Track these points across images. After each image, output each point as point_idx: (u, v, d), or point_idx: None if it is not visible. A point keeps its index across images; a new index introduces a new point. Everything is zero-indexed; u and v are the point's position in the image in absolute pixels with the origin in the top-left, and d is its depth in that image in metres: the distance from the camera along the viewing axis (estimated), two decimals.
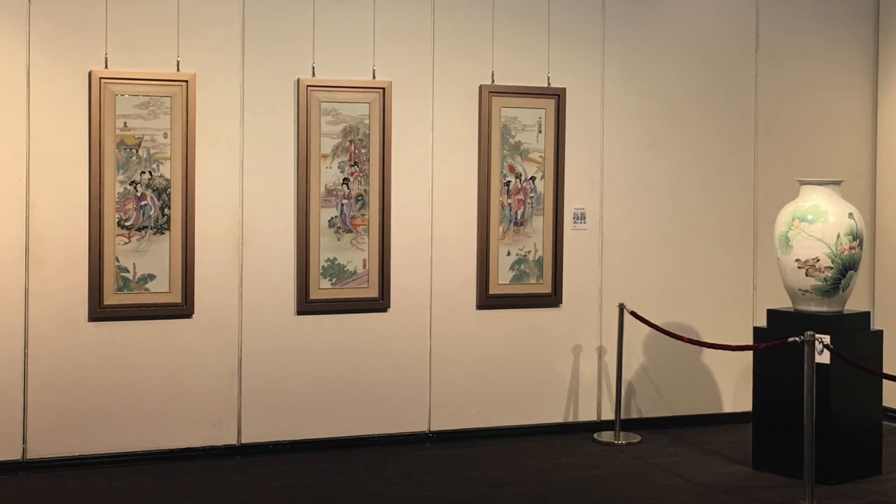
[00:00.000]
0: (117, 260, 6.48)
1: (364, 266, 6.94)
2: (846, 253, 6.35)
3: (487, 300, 7.23)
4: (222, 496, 6.05)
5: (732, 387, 7.76)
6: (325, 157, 6.85)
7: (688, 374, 7.70)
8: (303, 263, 6.81)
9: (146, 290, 6.53)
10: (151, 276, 6.54)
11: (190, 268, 6.58)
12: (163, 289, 6.56)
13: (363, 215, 6.93)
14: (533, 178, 7.29)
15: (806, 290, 6.43)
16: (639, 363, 7.59)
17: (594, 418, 7.50)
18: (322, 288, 6.86)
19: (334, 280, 6.89)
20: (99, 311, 6.45)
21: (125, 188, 6.48)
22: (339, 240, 6.89)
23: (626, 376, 7.43)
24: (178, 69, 6.56)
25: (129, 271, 6.50)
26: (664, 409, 7.64)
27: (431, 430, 7.16)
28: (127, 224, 6.49)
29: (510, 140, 7.24)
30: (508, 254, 7.26)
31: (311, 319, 6.88)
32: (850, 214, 6.42)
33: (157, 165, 6.53)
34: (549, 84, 7.32)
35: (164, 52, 6.55)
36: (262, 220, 6.77)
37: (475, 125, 7.19)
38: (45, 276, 6.38)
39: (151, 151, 6.52)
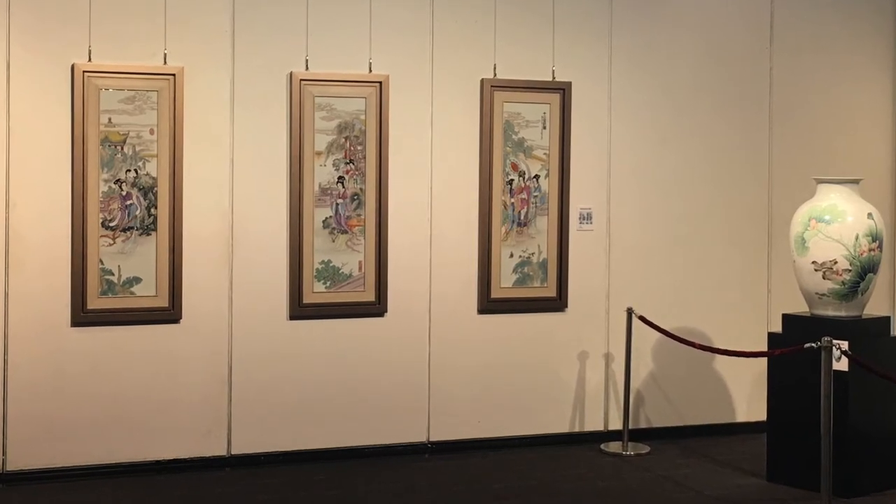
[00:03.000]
0: (101, 262, 6.47)
1: (360, 269, 6.94)
2: (865, 255, 6.35)
3: (489, 304, 7.23)
4: None
5: (746, 395, 7.76)
6: (319, 154, 6.85)
7: (699, 382, 7.70)
8: (296, 266, 6.81)
9: (132, 293, 6.53)
10: (137, 279, 6.54)
11: (178, 270, 6.58)
12: (149, 292, 6.56)
13: (359, 215, 6.93)
14: (537, 177, 7.29)
15: (823, 294, 6.43)
16: (648, 370, 7.59)
17: (601, 428, 7.50)
18: (316, 291, 6.86)
19: (329, 283, 6.89)
20: (82, 316, 6.45)
21: (110, 187, 6.48)
22: (333, 241, 6.88)
23: (634, 384, 7.43)
24: (165, 62, 6.56)
25: (113, 274, 6.50)
26: (674, 418, 7.64)
27: (431, 440, 7.16)
28: (111, 224, 6.49)
29: (513, 136, 7.23)
30: (511, 256, 7.25)
31: (304, 325, 6.88)
32: (870, 214, 6.41)
33: (143, 163, 6.53)
34: (553, 78, 7.31)
35: (150, 44, 6.55)
36: (254, 220, 6.77)
37: (476, 121, 7.18)
38: (25, 279, 6.38)
39: (137, 148, 6.52)
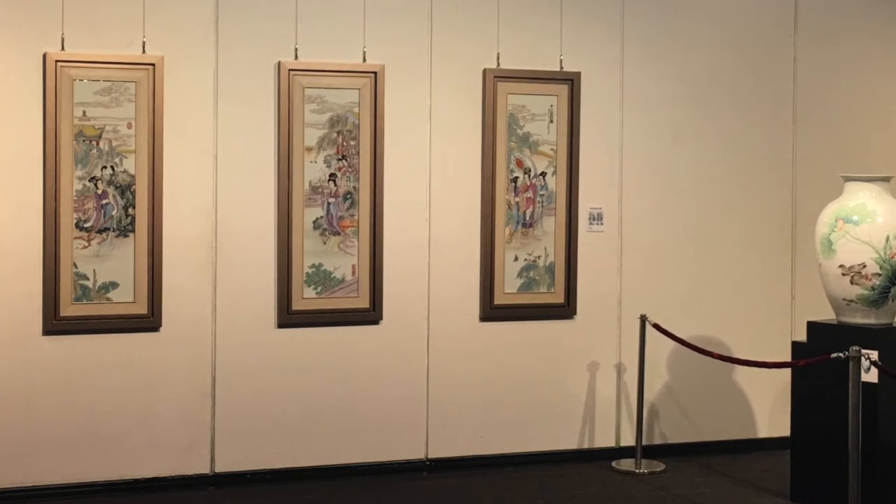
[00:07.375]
0: (75, 266, 6.46)
1: (353, 273, 6.93)
2: None
3: (492, 311, 7.21)
4: None
5: (768, 409, 7.75)
6: (309, 150, 6.84)
7: (718, 395, 7.69)
8: (284, 270, 6.80)
9: (108, 299, 6.52)
10: (114, 284, 6.53)
11: (157, 275, 6.57)
12: (126, 298, 6.55)
13: (352, 216, 6.92)
14: (543, 174, 7.28)
15: (851, 300, 6.41)
16: (662, 382, 7.57)
17: (612, 444, 7.49)
18: (306, 297, 6.85)
19: (320, 288, 6.87)
20: (54, 324, 6.43)
21: (84, 185, 6.47)
22: (325, 243, 6.87)
23: (648, 397, 7.42)
24: (143, 51, 6.55)
25: (88, 279, 6.48)
26: (691, 433, 7.63)
27: (429, 457, 7.15)
28: (86, 225, 6.48)
29: (518, 131, 7.22)
30: (516, 259, 7.24)
31: (293, 333, 6.87)
32: None
33: (121, 159, 6.52)
34: (561, 68, 7.31)
35: (127, 32, 6.54)
36: (239, 221, 6.76)
37: (478, 114, 7.18)
38: None
39: (114, 144, 6.51)
